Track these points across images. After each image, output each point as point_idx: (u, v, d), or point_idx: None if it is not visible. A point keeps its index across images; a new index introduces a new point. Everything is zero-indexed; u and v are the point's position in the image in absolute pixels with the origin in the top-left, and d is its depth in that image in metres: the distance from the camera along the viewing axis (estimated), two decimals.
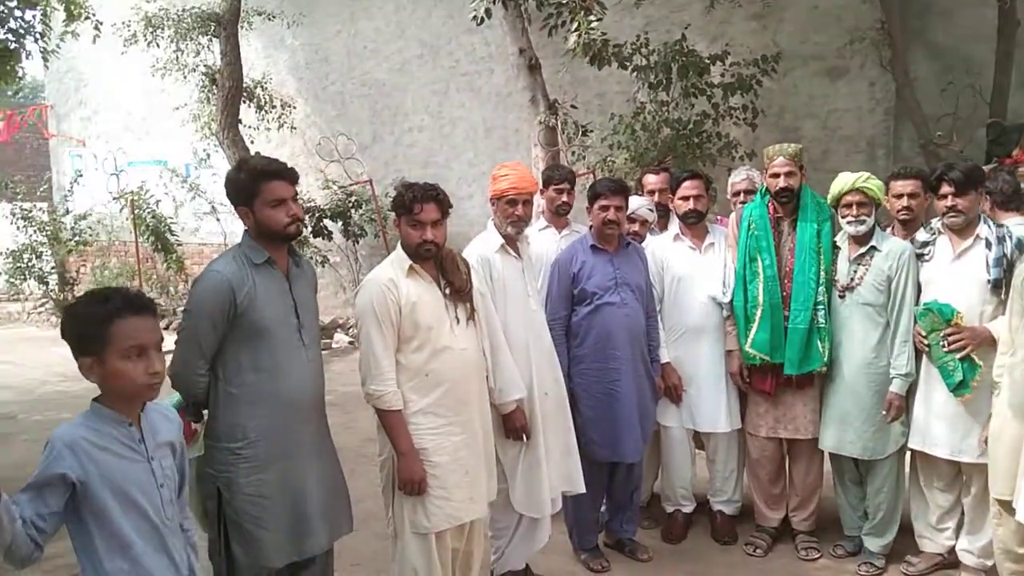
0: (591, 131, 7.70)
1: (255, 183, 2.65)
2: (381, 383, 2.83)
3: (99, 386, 1.94)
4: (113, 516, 1.89)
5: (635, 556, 3.91)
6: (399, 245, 3.00)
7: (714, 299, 3.95)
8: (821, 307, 3.69)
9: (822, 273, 3.71)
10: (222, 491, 2.63)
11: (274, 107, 10.42)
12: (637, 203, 4.05)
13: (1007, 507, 3.16)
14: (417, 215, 2.88)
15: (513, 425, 3.27)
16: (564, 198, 4.10)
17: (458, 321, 2.97)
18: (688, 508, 4.20)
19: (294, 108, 10.61)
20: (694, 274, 4.00)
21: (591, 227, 3.81)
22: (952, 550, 3.64)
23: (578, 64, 7.23)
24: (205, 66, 10.06)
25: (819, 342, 3.69)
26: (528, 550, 3.54)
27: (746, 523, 4.15)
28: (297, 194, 2.75)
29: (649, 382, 3.82)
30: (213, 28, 9.52)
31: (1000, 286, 3.34)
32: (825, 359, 3.69)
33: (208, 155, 11.02)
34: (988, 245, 3.40)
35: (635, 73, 7.31)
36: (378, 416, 2.91)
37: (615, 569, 3.83)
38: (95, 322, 1.88)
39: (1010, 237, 3.39)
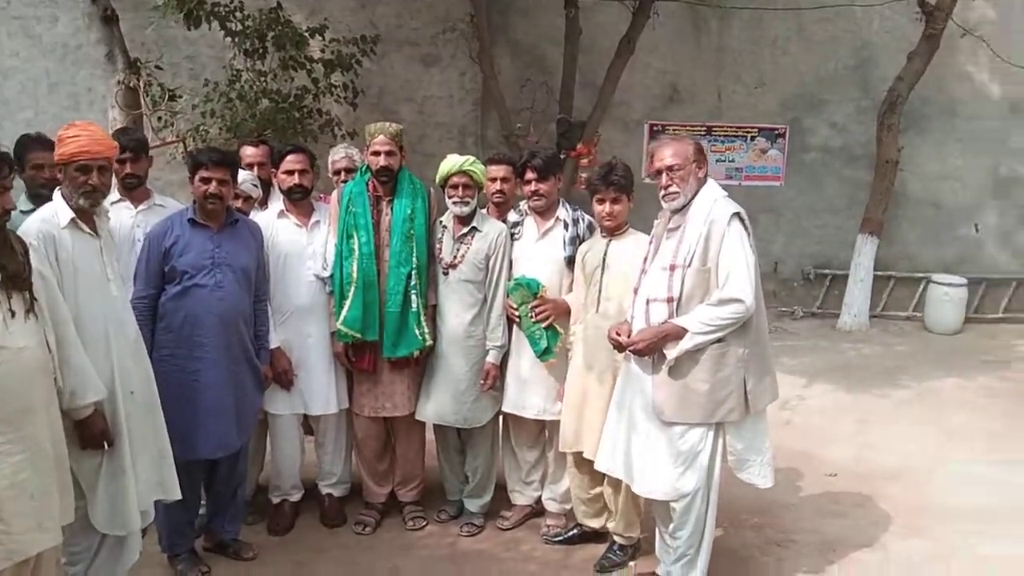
0: (180, 96, 7.07)
1: None
2: None
3: None
4: None
5: (239, 556, 3.67)
6: None
7: (318, 277, 3.85)
8: (415, 290, 3.76)
9: (415, 258, 3.77)
10: None
11: None
12: (242, 177, 3.76)
13: (577, 457, 3.63)
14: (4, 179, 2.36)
15: (90, 432, 2.78)
16: (129, 168, 3.65)
17: (13, 315, 2.43)
18: (296, 497, 4.06)
19: None
20: (301, 252, 3.85)
21: (194, 201, 3.45)
22: (539, 500, 4.04)
23: (164, 21, 6.53)
24: None
25: (415, 326, 3.76)
26: (114, 572, 3.09)
27: (354, 503, 4.14)
28: None
29: (251, 371, 3.58)
30: None
31: (572, 263, 3.74)
32: (423, 341, 3.77)
33: None
34: (566, 226, 3.79)
35: (229, 38, 6.84)
36: None
37: (216, 574, 3.55)
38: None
39: (583, 219, 3.82)
